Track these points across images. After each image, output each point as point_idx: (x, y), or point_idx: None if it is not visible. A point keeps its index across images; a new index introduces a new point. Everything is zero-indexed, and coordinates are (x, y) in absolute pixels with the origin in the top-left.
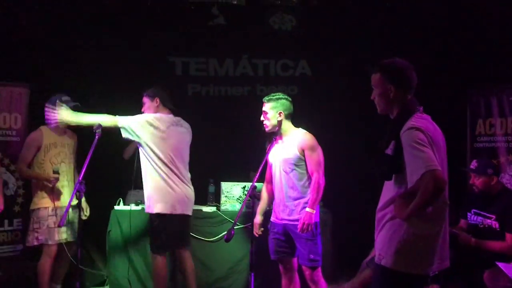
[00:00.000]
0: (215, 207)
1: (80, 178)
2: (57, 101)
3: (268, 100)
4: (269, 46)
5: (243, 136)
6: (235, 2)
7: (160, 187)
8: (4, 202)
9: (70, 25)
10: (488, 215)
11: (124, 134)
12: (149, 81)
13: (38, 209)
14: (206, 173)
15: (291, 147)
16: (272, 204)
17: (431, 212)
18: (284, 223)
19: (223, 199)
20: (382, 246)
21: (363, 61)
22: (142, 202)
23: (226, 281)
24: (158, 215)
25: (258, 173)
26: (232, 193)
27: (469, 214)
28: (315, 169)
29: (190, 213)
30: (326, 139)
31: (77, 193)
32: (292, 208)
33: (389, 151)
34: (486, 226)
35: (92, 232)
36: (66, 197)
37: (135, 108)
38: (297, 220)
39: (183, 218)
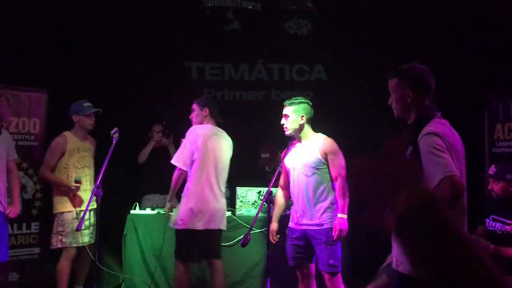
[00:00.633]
0: (231, 212)
1: (98, 183)
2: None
3: (290, 104)
4: (285, 51)
5: (258, 140)
6: (251, 7)
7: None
8: (22, 206)
9: (89, 31)
10: (507, 221)
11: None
12: (165, 86)
13: (62, 213)
14: None
15: (312, 151)
16: (286, 209)
17: None
18: (303, 228)
19: (238, 204)
20: (399, 253)
21: (379, 66)
22: (158, 207)
23: (242, 286)
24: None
25: (274, 178)
26: (247, 198)
27: (487, 220)
28: (339, 173)
29: (221, 227)
30: (342, 145)
31: (95, 197)
32: (312, 213)
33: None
34: (505, 232)
35: (108, 235)
36: None
37: (152, 113)
38: (317, 224)
39: (212, 232)
